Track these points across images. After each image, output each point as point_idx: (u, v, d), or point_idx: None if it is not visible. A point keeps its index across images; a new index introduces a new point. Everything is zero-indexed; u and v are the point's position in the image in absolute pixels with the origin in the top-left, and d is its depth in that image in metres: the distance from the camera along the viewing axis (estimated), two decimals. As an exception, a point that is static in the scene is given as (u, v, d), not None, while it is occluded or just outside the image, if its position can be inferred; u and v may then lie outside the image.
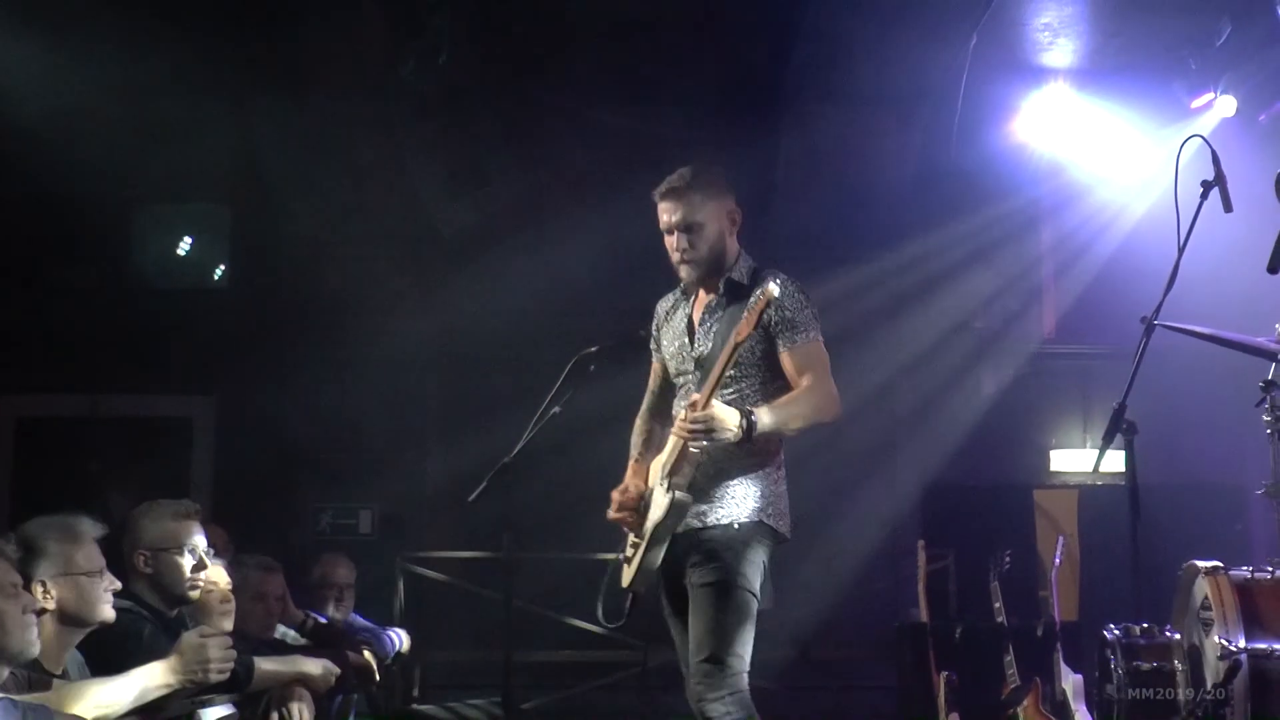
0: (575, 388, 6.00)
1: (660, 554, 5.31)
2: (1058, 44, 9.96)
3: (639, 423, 5.86)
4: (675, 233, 5.46)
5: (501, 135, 10.60)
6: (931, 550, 9.57)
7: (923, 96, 10.14)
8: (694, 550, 5.31)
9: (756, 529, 5.34)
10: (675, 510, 5.23)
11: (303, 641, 7.20)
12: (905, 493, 11.16)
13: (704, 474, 5.32)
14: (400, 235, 11.25)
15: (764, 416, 5.17)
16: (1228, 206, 5.54)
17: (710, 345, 5.42)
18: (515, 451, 6.30)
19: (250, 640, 6.39)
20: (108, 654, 5.13)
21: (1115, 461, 5.67)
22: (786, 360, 5.35)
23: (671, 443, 5.51)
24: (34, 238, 11.21)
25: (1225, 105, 9.69)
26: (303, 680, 5.96)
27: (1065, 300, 11.61)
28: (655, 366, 5.82)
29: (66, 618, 4.91)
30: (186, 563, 5.65)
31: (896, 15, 8.99)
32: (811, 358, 5.35)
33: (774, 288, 5.09)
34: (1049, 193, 11.35)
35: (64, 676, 4.88)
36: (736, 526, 5.30)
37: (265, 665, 5.80)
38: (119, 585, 5.12)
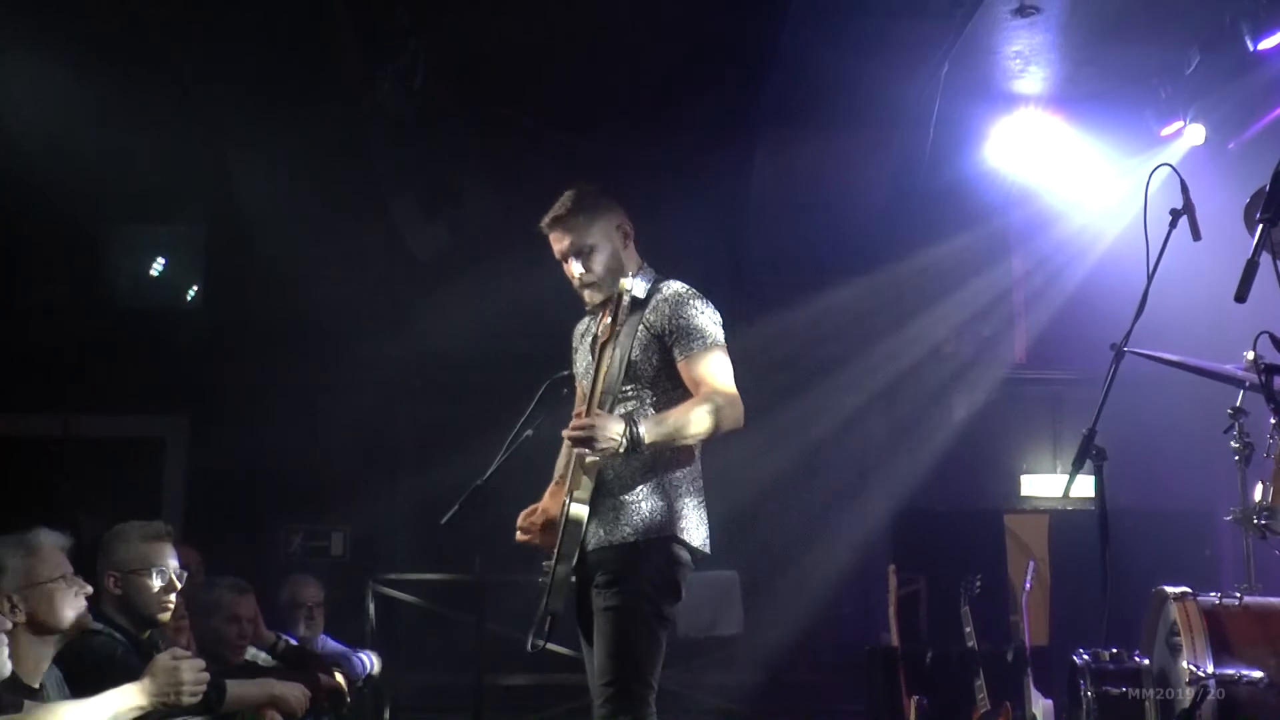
0: (548, 411, 6.00)
1: (569, 569, 5.15)
2: (1029, 72, 10.03)
3: (564, 448, 5.70)
4: (569, 260, 5.45)
5: (476, 159, 10.62)
6: (902, 575, 9.60)
7: (895, 122, 10.17)
8: (600, 569, 5.16)
9: (667, 545, 5.17)
10: (571, 524, 5.09)
11: (274, 663, 7.20)
12: (876, 517, 11.18)
13: (608, 488, 5.19)
14: (374, 258, 11.25)
15: (651, 427, 5.03)
16: (1196, 235, 5.58)
17: (609, 366, 5.29)
18: (488, 474, 6.30)
19: (222, 662, 6.40)
20: (80, 675, 5.14)
21: (1085, 487, 5.69)
22: (683, 369, 5.23)
23: (569, 454, 5.46)
24: (6, 257, 11.19)
25: (1195, 133, 9.77)
26: (274, 702, 5.98)
27: (1036, 326, 11.66)
28: (579, 392, 5.73)
29: (38, 627, 4.92)
30: (156, 584, 5.65)
31: (869, 42, 9.02)
32: (708, 365, 5.21)
33: (626, 281, 5.19)
34: (1020, 219, 11.41)
35: (42, 690, 4.88)
36: (644, 544, 5.15)
37: (237, 687, 5.81)
38: (89, 589, 5.12)
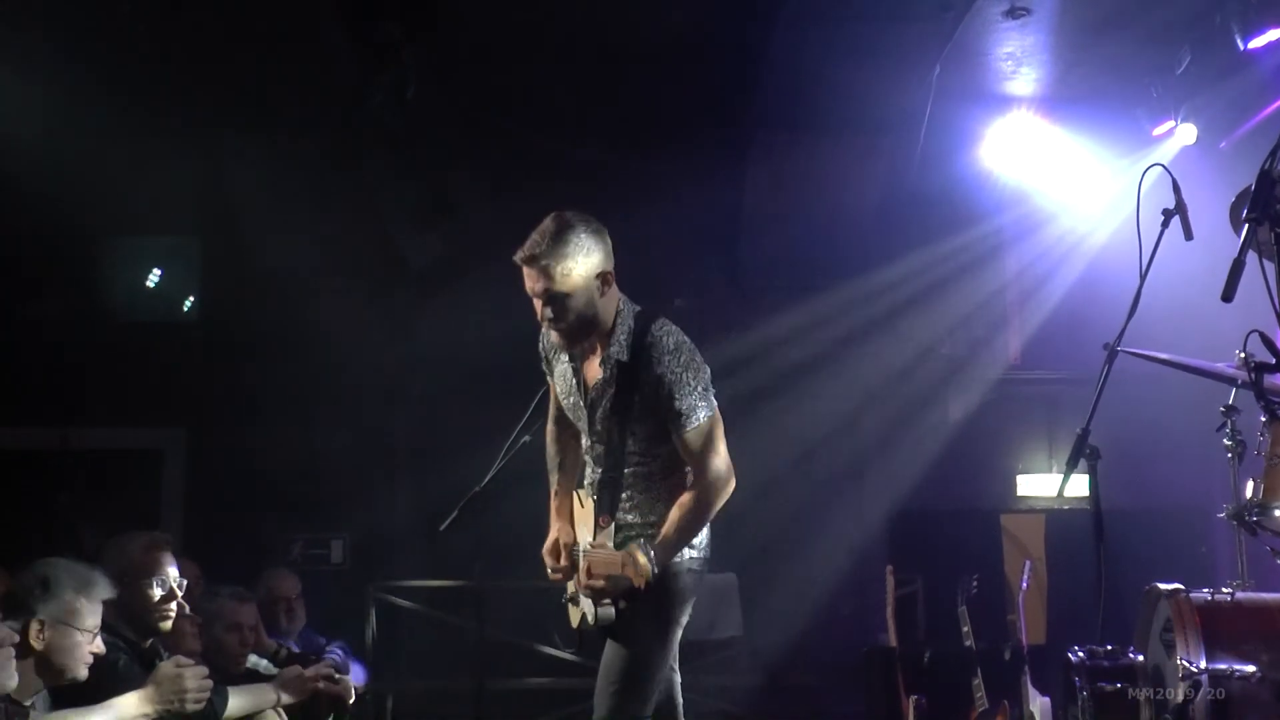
0: (545, 416, 6.03)
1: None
2: (1020, 73, 10.07)
3: (550, 444, 5.76)
4: (539, 301, 5.21)
5: (469, 168, 10.64)
6: (899, 575, 9.62)
7: (888, 125, 10.20)
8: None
9: (689, 563, 5.30)
10: (601, 621, 5.12)
11: (276, 671, 7.22)
12: (873, 519, 11.20)
13: (629, 529, 5.29)
14: (369, 267, 11.27)
15: (661, 553, 5.08)
16: (1188, 235, 5.61)
17: (609, 433, 5.27)
18: (486, 480, 6.33)
19: (224, 670, 6.42)
20: (83, 684, 5.16)
21: (1080, 486, 5.72)
22: (678, 443, 5.20)
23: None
24: (3, 270, 11.19)
25: (1186, 133, 9.80)
26: (277, 709, 6.00)
27: (1030, 327, 11.67)
28: (553, 386, 5.67)
29: (48, 664, 4.93)
30: (156, 593, 5.68)
31: (861, 46, 9.05)
32: (700, 445, 5.19)
33: (646, 564, 4.98)
34: (1013, 220, 11.42)
35: (31, 709, 4.90)
36: (670, 573, 5.22)
37: (240, 695, 5.83)
38: (102, 650, 5.13)
